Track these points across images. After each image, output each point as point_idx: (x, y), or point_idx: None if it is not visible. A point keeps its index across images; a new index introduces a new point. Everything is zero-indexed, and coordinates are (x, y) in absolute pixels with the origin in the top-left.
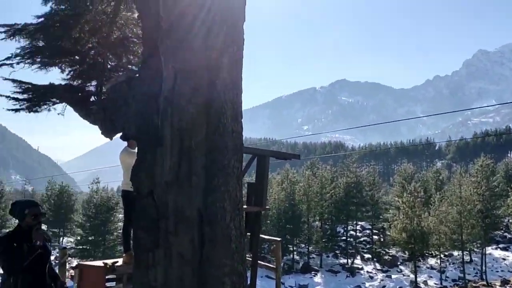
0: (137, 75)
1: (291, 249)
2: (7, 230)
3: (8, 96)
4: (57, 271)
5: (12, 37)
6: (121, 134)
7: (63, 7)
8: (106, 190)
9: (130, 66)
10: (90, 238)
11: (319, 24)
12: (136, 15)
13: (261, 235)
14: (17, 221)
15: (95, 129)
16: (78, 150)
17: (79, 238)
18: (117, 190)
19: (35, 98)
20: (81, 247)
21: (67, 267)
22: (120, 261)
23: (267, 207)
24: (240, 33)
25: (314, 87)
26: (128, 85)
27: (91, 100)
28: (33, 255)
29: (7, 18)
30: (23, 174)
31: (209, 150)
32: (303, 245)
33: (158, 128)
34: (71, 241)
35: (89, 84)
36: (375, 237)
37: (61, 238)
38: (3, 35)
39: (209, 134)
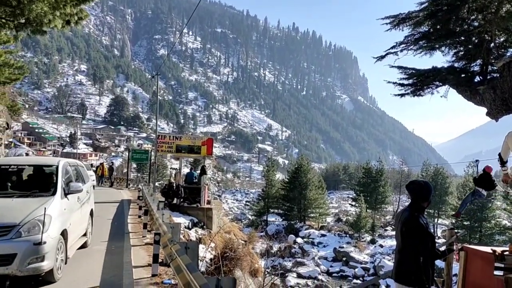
0: None
1: None
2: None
3: (395, 82)
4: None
5: (396, 27)
6: None
7: None
8: None
9: None
10: (465, 223)
11: None
12: None
13: None
14: None
15: (470, 112)
16: (451, 133)
17: (454, 221)
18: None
19: (419, 82)
20: (456, 230)
21: (454, 248)
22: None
23: None
24: None
25: None
26: None
27: (475, 80)
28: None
29: (385, 11)
30: (399, 155)
31: None
32: None
33: None
34: (445, 224)
35: (473, 64)
36: None
37: (436, 219)
38: (388, 26)
39: None
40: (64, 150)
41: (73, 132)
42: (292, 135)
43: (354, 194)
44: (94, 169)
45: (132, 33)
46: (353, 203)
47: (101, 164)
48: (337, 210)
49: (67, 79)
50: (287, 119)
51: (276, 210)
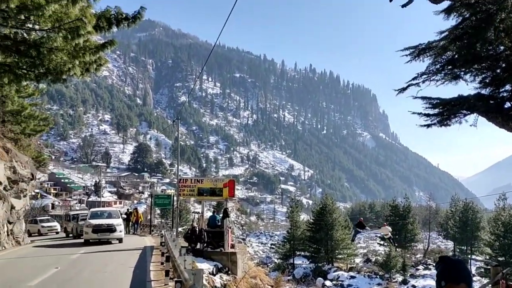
0: None
1: None
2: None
3: (420, 113)
4: None
5: (417, 58)
6: None
7: (469, 13)
8: None
9: None
10: (499, 259)
11: None
12: None
13: None
14: None
15: (500, 142)
16: (478, 166)
17: (487, 257)
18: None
19: (446, 111)
20: (490, 267)
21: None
22: None
23: None
24: None
25: None
26: None
27: (505, 106)
28: None
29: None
30: (426, 191)
31: None
32: None
33: None
34: (479, 260)
35: (502, 89)
36: None
37: (469, 256)
38: (408, 58)
39: None
40: (89, 199)
41: (97, 180)
42: (314, 175)
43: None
44: (125, 216)
45: (154, 82)
46: (382, 242)
47: (135, 209)
48: (366, 250)
49: (91, 129)
50: (309, 159)
51: (302, 253)
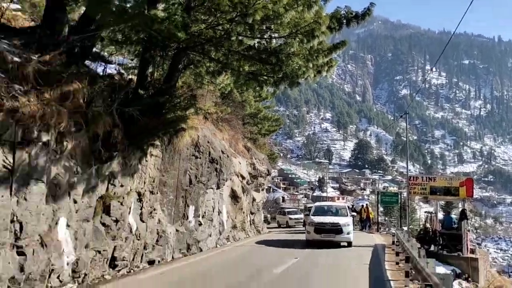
0: None
1: None
2: None
3: None
4: None
5: None
6: None
7: None
8: None
9: None
10: None
11: None
12: None
13: None
14: None
15: None
16: None
17: None
18: None
19: None
20: None
21: None
22: None
23: None
24: None
25: None
26: None
27: None
28: None
29: None
30: None
31: None
32: None
33: None
34: None
35: None
36: None
37: None
38: None
39: None
40: (314, 194)
41: (321, 176)
42: None
43: None
44: (354, 213)
45: (373, 77)
46: None
47: (365, 206)
48: None
49: (314, 127)
50: None
51: None
